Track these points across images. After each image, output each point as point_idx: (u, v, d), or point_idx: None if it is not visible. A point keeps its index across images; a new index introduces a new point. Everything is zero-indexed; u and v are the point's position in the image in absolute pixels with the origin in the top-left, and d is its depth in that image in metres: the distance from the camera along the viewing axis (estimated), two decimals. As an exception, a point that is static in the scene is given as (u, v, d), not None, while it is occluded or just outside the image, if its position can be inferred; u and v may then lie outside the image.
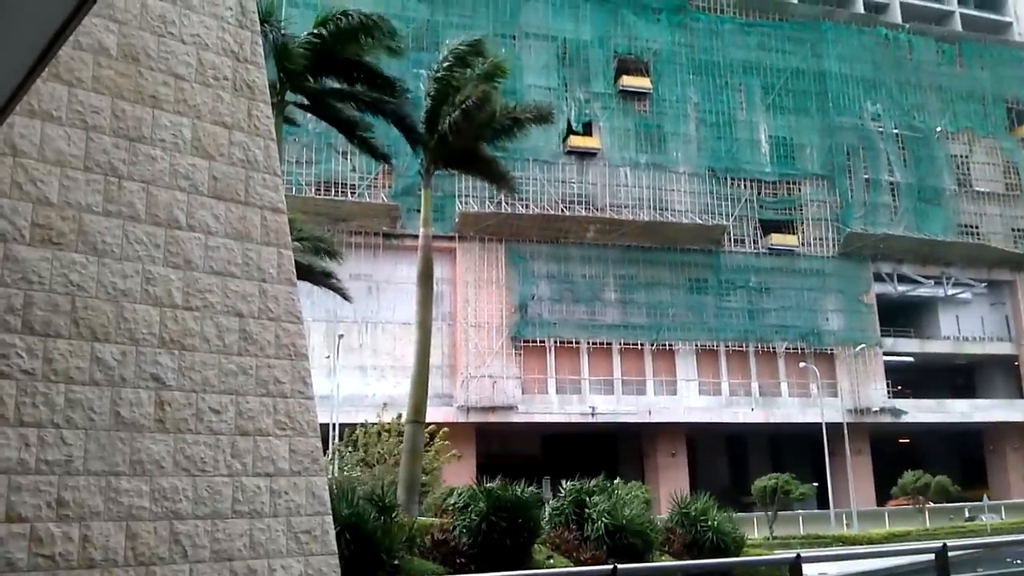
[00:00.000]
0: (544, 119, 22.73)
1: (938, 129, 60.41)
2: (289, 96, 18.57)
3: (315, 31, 17.88)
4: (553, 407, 48.86)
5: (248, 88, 8.82)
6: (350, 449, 30.37)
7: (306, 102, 19.47)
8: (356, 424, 32.41)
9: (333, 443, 33.29)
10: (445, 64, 20.80)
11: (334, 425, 34.92)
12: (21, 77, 5.97)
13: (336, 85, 19.21)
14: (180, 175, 8.15)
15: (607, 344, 50.51)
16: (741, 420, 51.87)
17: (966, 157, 61.55)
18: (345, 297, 27.21)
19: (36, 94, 7.37)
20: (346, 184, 47.03)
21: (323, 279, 25.04)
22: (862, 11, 62.41)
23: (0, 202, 7.15)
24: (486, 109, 20.09)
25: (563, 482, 17.77)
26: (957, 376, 62.39)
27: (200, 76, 8.47)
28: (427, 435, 27.34)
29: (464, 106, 19.61)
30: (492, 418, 46.95)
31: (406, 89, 20.28)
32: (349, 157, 45.90)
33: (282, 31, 17.73)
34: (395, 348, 45.14)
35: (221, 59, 8.66)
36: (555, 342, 49.56)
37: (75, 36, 7.11)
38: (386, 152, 23.02)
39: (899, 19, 63.18)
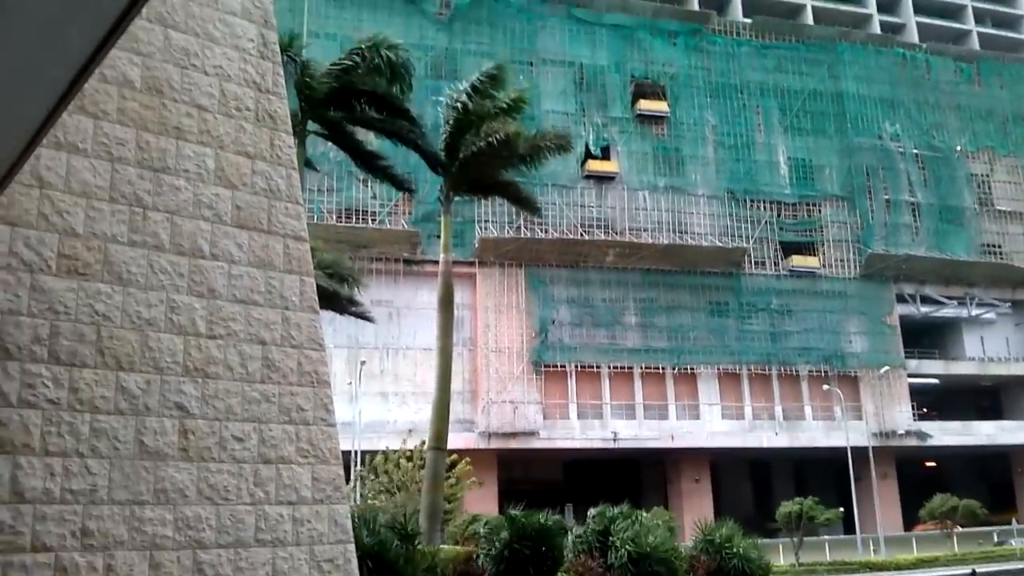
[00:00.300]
0: (564, 147, 22.89)
1: (958, 148, 60.04)
2: (311, 126, 18.74)
3: (336, 64, 18.08)
4: (575, 432, 48.59)
5: (270, 118, 8.91)
6: (372, 476, 30.32)
7: (327, 132, 19.64)
8: (378, 451, 32.40)
9: (355, 470, 33.26)
10: (466, 93, 20.91)
11: (356, 452, 34.91)
12: (47, 111, 6.06)
13: (357, 115, 19.37)
14: (204, 204, 8.23)
15: (628, 368, 50.27)
16: (765, 444, 51.33)
17: (987, 176, 61.09)
18: (368, 320, 27.25)
19: (62, 126, 7.48)
20: (367, 211, 47.33)
21: (345, 306, 25.14)
22: (878, 32, 62.36)
23: (27, 233, 7.24)
24: (508, 139, 20.25)
25: (588, 510, 17.63)
26: (983, 398, 61.55)
27: (223, 107, 8.57)
28: (449, 462, 27.28)
29: (487, 136, 19.80)
30: (513, 444, 46.74)
31: (424, 122, 20.39)
32: (370, 185, 46.19)
33: (304, 62, 17.93)
34: (416, 374, 45.16)
35: (243, 90, 8.76)
36: (576, 367, 49.39)
37: (100, 69, 7.22)
38: (406, 180, 23.15)
39: (916, 39, 63.05)
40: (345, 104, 18.92)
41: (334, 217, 46.11)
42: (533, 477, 49.55)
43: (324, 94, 17.85)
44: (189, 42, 8.46)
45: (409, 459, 30.07)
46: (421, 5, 51.24)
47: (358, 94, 18.59)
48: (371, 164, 20.89)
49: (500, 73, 21.41)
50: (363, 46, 18.19)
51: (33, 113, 5.95)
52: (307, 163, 19.56)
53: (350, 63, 18.05)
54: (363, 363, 41.45)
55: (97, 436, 7.20)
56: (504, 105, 20.78)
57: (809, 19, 61.04)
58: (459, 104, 20.84)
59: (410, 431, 35.05)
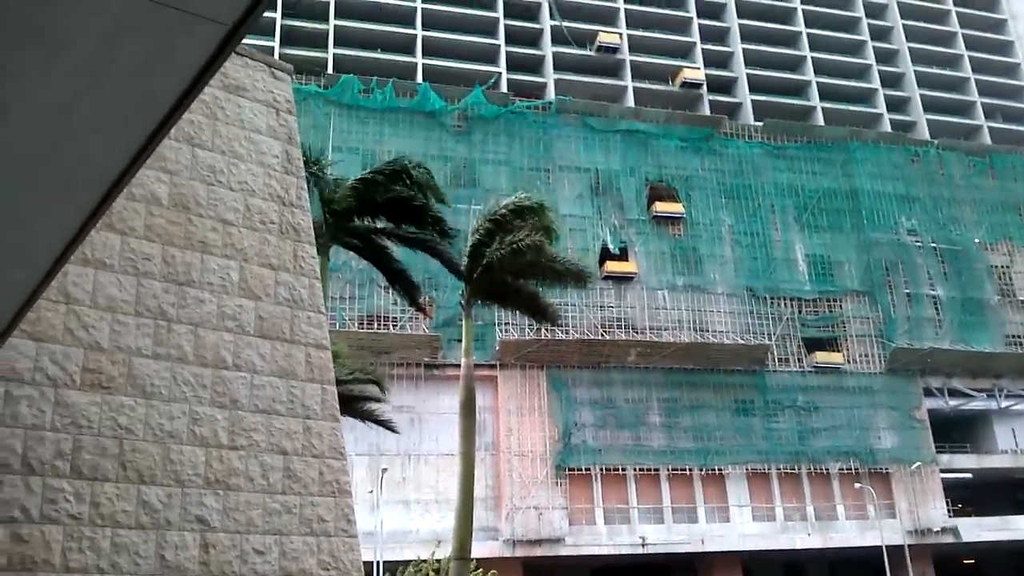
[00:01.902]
0: (581, 280, 23.46)
1: (976, 240, 60.07)
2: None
3: (361, 178, 18.57)
4: (602, 538, 47.40)
5: (294, 231, 9.12)
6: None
7: (351, 242, 19.99)
8: (400, 561, 31.71)
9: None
10: (501, 212, 21.57)
11: (378, 563, 34.16)
12: (76, 229, 6.24)
13: (381, 224, 19.72)
14: (227, 316, 8.35)
15: (655, 470, 49.38)
16: (798, 546, 49.80)
17: (1007, 267, 60.89)
18: (392, 430, 27.10)
19: (89, 243, 7.69)
20: (388, 317, 47.64)
21: (368, 413, 25.05)
22: (889, 130, 63.33)
23: (53, 348, 7.35)
24: (534, 258, 20.76)
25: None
26: (1019, 491, 59.77)
27: (248, 221, 8.79)
28: (474, 573, 26.63)
29: (513, 249, 20.30)
30: (539, 551, 45.59)
31: (452, 230, 20.73)
32: (391, 291, 46.61)
33: (329, 176, 18.38)
34: (438, 481, 44.53)
35: (268, 204, 9.00)
36: (601, 469, 48.57)
37: (128, 187, 7.47)
38: (422, 298, 23.47)
39: (927, 135, 63.89)
40: (369, 215, 19.28)
41: (356, 324, 46.42)
42: (560, 586, 48.16)
43: (348, 207, 18.24)
44: (215, 159, 8.75)
45: (436, 572, 29.42)
46: (440, 119, 52.74)
47: (382, 205, 18.96)
48: (396, 278, 21.19)
49: (539, 208, 22.10)
50: (387, 166, 18.72)
51: (62, 231, 6.13)
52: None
53: (374, 177, 18.51)
54: (384, 470, 40.98)
55: (118, 551, 7.14)
56: (533, 228, 21.41)
57: (820, 120, 62.18)
58: (493, 219, 21.46)
59: (439, 543, 34.28)
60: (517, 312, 47.25)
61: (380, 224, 19.71)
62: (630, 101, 58.62)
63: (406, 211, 19.10)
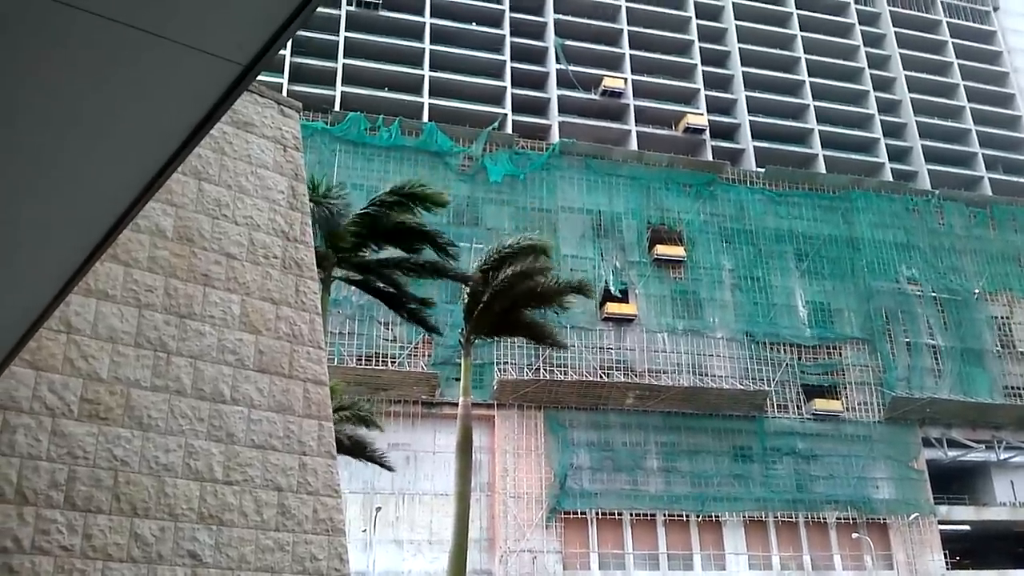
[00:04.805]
0: (583, 292, 23.46)
1: (976, 291, 60.18)
2: (337, 272, 19.09)
3: (368, 206, 18.66)
4: (596, 583, 46.87)
5: (296, 265, 9.16)
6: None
7: (356, 276, 20.01)
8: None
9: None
10: (504, 252, 21.69)
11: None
12: (81, 261, 6.28)
13: (384, 255, 19.72)
14: (227, 350, 8.36)
15: (651, 516, 48.95)
16: (795, 597, 49.26)
17: (1007, 318, 60.91)
18: (387, 468, 26.93)
19: (93, 274, 7.71)
20: (386, 354, 47.57)
21: (363, 451, 24.88)
22: (891, 179, 63.71)
23: (52, 378, 7.35)
24: (534, 284, 20.85)
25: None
26: (1017, 544, 59.15)
27: (251, 255, 8.84)
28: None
29: (514, 276, 20.38)
30: (533, 595, 45.07)
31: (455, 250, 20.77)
32: (390, 327, 46.67)
33: (333, 210, 18.43)
34: (432, 520, 44.13)
35: (272, 239, 9.05)
36: (596, 513, 48.14)
37: (134, 219, 7.52)
38: (431, 321, 23.38)
39: (928, 185, 64.27)
40: (374, 243, 19.30)
41: (354, 360, 46.35)
42: (553, 633, 47.46)
43: (352, 241, 18.29)
44: (221, 193, 8.82)
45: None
46: (445, 159, 53.18)
47: (387, 233, 18.97)
48: (400, 305, 21.15)
49: (541, 248, 22.26)
50: (394, 191, 18.81)
51: (67, 262, 6.16)
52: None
53: (381, 202, 18.61)
54: (378, 509, 40.66)
55: (108, 585, 7.07)
56: (531, 268, 21.52)
57: (821, 167, 62.59)
58: (495, 259, 21.56)
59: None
60: (516, 351, 47.75)
61: (385, 255, 19.74)
62: (633, 145, 59.09)
63: (413, 237, 19.16)
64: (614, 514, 48.44)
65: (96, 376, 7.55)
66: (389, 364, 47.30)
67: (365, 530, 39.01)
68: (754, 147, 61.97)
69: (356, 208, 19.17)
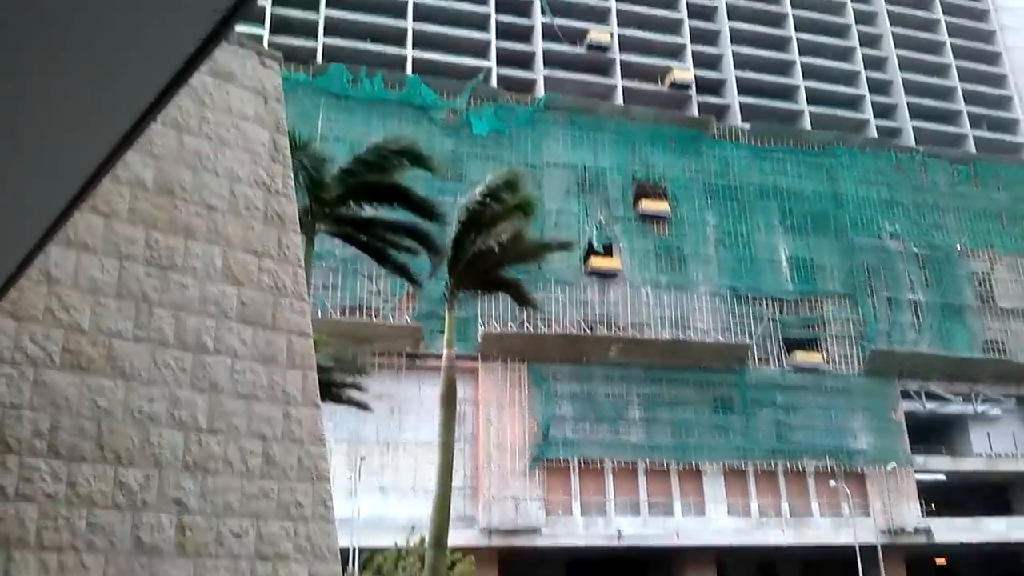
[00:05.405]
0: (567, 247, 23.56)
1: (958, 247, 60.66)
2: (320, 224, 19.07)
3: (351, 162, 18.58)
4: (578, 530, 47.67)
5: (279, 218, 9.17)
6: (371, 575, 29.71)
7: (337, 230, 20.00)
8: (376, 548, 31.83)
9: (353, 567, 32.59)
10: (480, 196, 21.54)
11: (355, 549, 34.26)
12: (61, 209, 6.28)
13: (367, 212, 19.71)
14: (210, 301, 8.40)
15: (632, 464, 49.66)
16: (772, 542, 50.24)
17: (988, 274, 61.49)
18: (367, 408, 27.20)
19: (73, 225, 7.71)
20: (370, 307, 47.65)
21: (346, 395, 25.12)
22: (876, 135, 63.79)
23: (33, 328, 7.38)
24: (516, 237, 20.78)
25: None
26: (992, 494, 60.49)
27: (232, 207, 8.84)
28: (451, 560, 26.77)
29: (497, 237, 20.31)
30: (515, 541, 45.80)
31: (441, 214, 20.74)
32: (374, 280, 46.69)
33: (316, 163, 18.36)
34: (417, 469, 44.62)
35: (253, 191, 9.05)
36: (579, 462, 48.81)
37: (114, 170, 7.50)
38: (414, 272, 23.40)
39: (913, 142, 64.38)
40: (356, 200, 19.28)
41: (338, 312, 46.39)
42: (536, 577, 48.39)
43: (336, 193, 18.26)
44: (202, 145, 8.79)
45: (409, 555, 29.54)
46: (429, 112, 52.73)
47: (369, 190, 18.96)
48: (383, 258, 21.17)
49: (514, 179, 22.09)
50: (375, 151, 18.71)
51: (46, 212, 6.17)
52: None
53: (364, 160, 18.54)
54: (363, 458, 41.06)
55: (94, 531, 7.19)
56: (514, 205, 21.37)
57: (807, 123, 62.53)
58: (473, 207, 21.45)
59: (413, 528, 34.51)
60: (500, 305, 47.92)
61: (367, 211, 19.73)
62: (619, 99, 58.78)
63: (396, 194, 19.16)
64: (596, 463, 49.11)
65: (78, 327, 7.59)
66: (373, 317, 47.39)
67: (350, 478, 39.41)
68: (740, 103, 61.81)
69: (339, 162, 19.10)
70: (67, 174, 5.60)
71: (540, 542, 46.45)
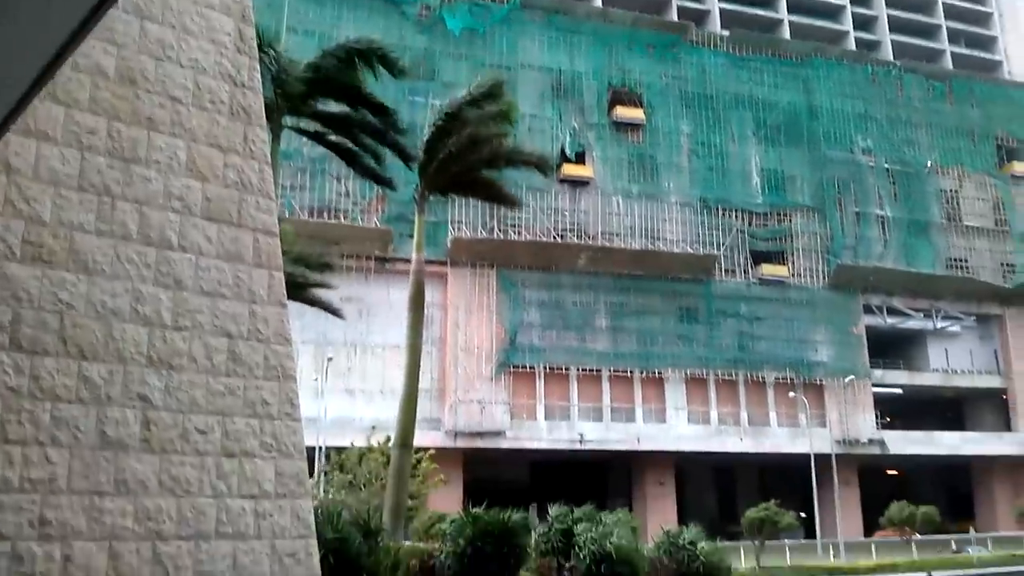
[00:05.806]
0: (543, 168, 23.39)
1: (928, 164, 60.98)
2: (288, 121, 18.68)
3: (316, 59, 18.09)
4: (542, 433, 48.72)
5: (244, 112, 8.91)
6: (337, 472, 30.26)
7: (304, 126, 19.63)
8: (343, 447, 32.33)
9: (319, 465, 33.15)
10: (460, 102, 21.21)
11: (321, 448, 34.79)
12: (19, 95, 6.04)
13: (334, 110, 19.34)
14: (173, 196, 8.22)
15: (596, 371, 50.50)
16: (730, 449, 51.79)
17: (956, 192, 62.08)
18: (335, 313, 27.22)
19: (32, 114, 7.44)
20: (339, 209, 47.17)
21: (313, 295, 25.07)
22: (854, 48, 63.19)
23: (-7, 219, 7.20)
24: (491, 142, 20.54)
25: (549, 509, 17.73)
26: (946, 409, 62.55)
27: (197, 100, 8.56)
28: (415, 459, 27.28)
29: (472, 140, 20.07)
30: (480, 443, 46.78)
31: (401, 121, 20.39)
32: (343, 182, 46.10)
33: (282, 57, 17.87)
34: (384, 372, 45.04)
35: (218, 83, 8.76)
36: (544, 368, 49.53)
37: (73, 57, 7.20)
38: (385, 175, 23.13)
39: (891, 56, 63.96)
40: (323, 97, 18.90)
41: (306, 213, 45.90)
42: (499, 477, 49.56)
43: (301, 91, 17.83)
44: (165, 34, 8.45)
45: (373, 451, 30.06)
46: (401, 7, 51.21)
47: (335, 89, 18.58)
48: (352, 159, 20.88)
49: (497, 87, 21.73)
50: (347, 45, 18.21)
51: (4, 97, 5.93)
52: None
53: (331, 59, 18.06)
54: (330, 359, 41.31)
55: (57, 425, 7.18)
56: (493, 114, 21.10)
57: (786, 33, 61.73)
58: (451, 112, 21.11)
59: (374, 428, 35.05)
60: (470, 210, 47.68)
61: (335, 110, 19.36)
62: (597, 1, 57.43)
63: (360, 98, 18.77)
64: (561, 369, 49.89)
65: (38, 219, 7.41)
66: (342, 219, 46.98)
67: (317, 379, 39.73)
68: (719, 9, 60.74)
69: (307, 55, 18.60)
70: (25, 58, 5.37)
71: (504, 444, 47.47)
